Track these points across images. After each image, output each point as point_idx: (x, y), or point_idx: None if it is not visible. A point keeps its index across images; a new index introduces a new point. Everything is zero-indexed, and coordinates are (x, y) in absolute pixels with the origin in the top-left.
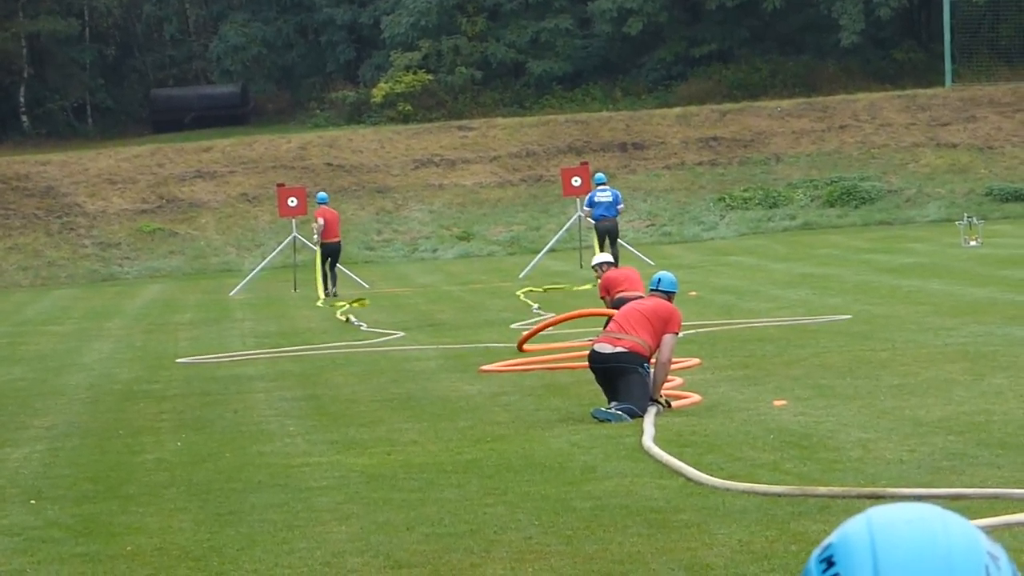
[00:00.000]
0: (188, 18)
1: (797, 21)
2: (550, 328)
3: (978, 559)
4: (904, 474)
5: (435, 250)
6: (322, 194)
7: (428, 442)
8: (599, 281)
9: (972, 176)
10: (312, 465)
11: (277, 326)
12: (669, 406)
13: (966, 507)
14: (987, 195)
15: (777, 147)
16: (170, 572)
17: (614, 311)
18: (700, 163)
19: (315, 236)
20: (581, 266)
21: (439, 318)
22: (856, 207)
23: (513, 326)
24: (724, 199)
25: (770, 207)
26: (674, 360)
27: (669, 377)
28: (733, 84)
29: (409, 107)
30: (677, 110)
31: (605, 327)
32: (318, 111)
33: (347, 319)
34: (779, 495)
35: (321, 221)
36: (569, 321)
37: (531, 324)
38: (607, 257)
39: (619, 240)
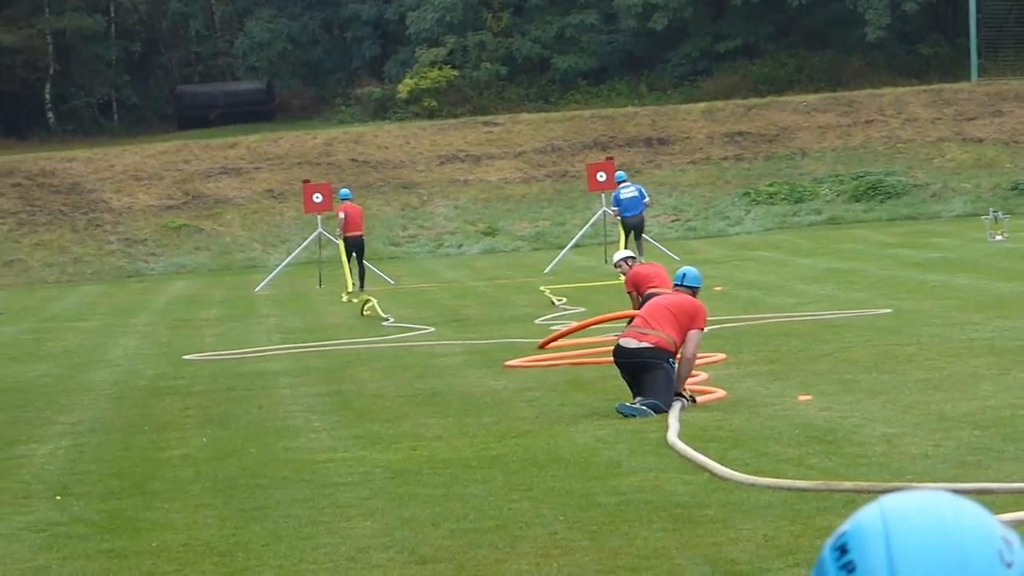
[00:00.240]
0: (213, 14)
1: (822, 16)
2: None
3: (992, 543)
4: (929, 469)
5: (460, 246)
6: (344, 190)
7: (453, 437)
8: (625, 276)
9: (998, 171)
10: (337, 461)
11: (302, 322)
12: (694, 401)
13: (992, 502)
14: (1013, 189)
15: (802, 142)
16: (195, 568)
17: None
18: (725, 158)
19: (337, 230)
20: (606, 261)
21: (464, 314)
22: (882, 202)
23: (538, 321)
24: (749, 194)
25: (795, 202)
26: (699, 355)
27: (694, 372)
28: (758, 79)
29: (434, 103)
30: (702, 105)
31: (630, 322)
32: (343, 107)
33: (373, 314)
34: (804, 490)
35: (342, 215)
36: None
37: (555, 319)
38: (629, 252)
39: (644, 235)
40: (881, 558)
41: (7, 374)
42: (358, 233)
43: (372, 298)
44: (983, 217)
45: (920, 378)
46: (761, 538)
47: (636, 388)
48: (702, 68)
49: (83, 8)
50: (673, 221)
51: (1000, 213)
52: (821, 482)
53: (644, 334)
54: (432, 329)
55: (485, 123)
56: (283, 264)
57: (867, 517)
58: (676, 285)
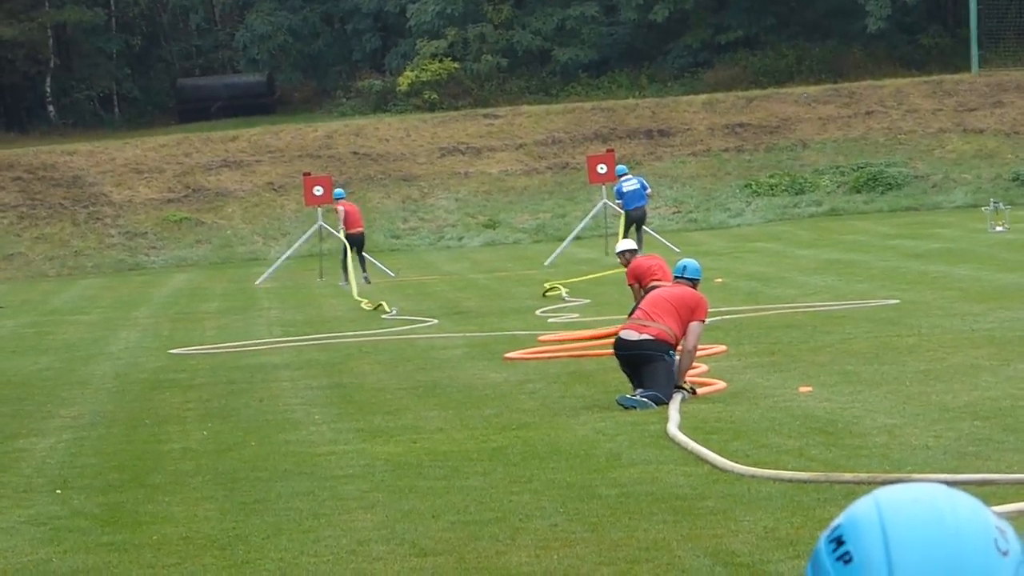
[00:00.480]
0: (214, 7)
1: (823, 7)
2: (575, 315)
3: (987, 532)
4: (930, 460)
5: (461, 238)
6: (339, 190)
7: (454, 430)
8: (627, 268)
9: (999, 161)
10: (338, 453)
11: (303, 314)
12: (694, 393)
13: (993, 492)
14: (1014, 180)
15: (803, 133)
16: (196, 561)
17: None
18: (726, 150)
19: (340, 227)
20: (607, 253)
21: (465, 306)
22: (882, 193)
23: (539, 312)
24: (750, 185)
25: (796, 193)
26: (700, 347)
27: (694, 364)
28: (759, 70)
29: (435, 95)
30: (703, 97)
31: (631, 314)
32: (344, 100)
33: (377, 307)
34: (805, 482)
35: (342, 210)
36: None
37: (557, 310)
38: (631, 244)
39: (644, 227)
40: (878, 548)
41: (8, 368)
42: (360, 229)
43: (383, 303)
44: (984, 208)
45: (921, 369)
46: (762, 530)
47: (636, 380)
48: (703, 60)
49: (83, 1)
50: (674, 213)
51: (1001, 204)
52: (821, 473)
53: (644, 326)
54: (435, 321)
55: (486, 115)
56: (284, 257)
57: (862, 509)
58: (676, 277)
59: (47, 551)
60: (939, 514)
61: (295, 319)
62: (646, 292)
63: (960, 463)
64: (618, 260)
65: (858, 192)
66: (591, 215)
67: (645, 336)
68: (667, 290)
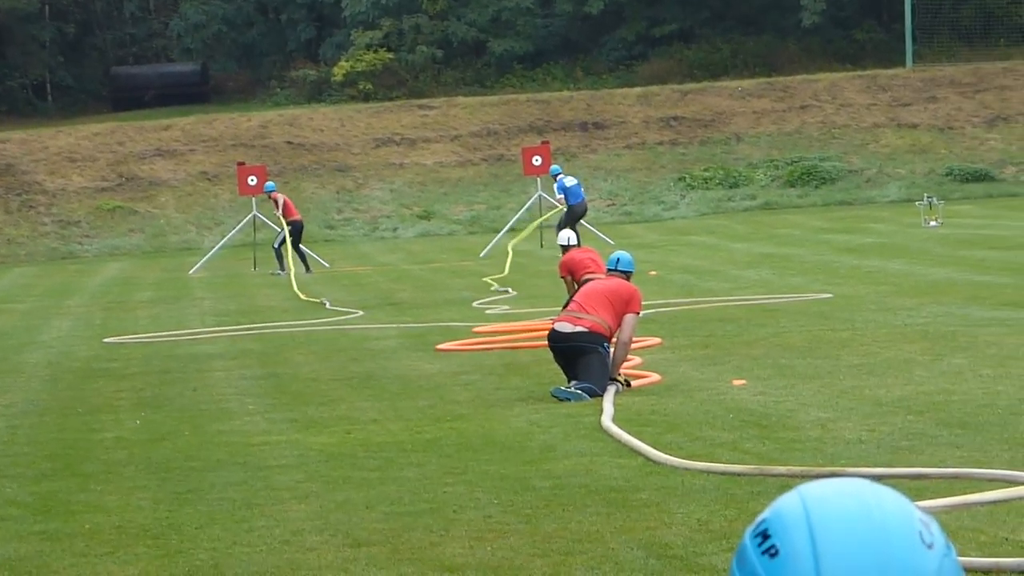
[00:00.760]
0: None
1: (758, 1)
2: (508, 307)
3: (912, 525)
4: (863, 454)
5: (396, 229)
6: (270, 183)
7: (388, 421)
8: (560, 261)
9: (932, 156)
10: (271, 444)
11: (236, 304)
12: (628, 385)
13: (926, 487)
14: (947, 175)
15: (738, 127)
16: (129, 550)
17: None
18: (661, 143)
19: (278, 215)
20: (542, 246)
21: (399, 297)
22: (817, 187)
23: (475, 304)
24: (684, 179)
25: (730, 187)
26: (634, 340)
27: (628, 356)
28: (694, 64)
29: (370, 86)
30: (638, 90)
31: (565, 307)
32: (278, 89)
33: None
34: (738, 474)
35: (282, 199)
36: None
37: (492, 301)
38: (572, 236)
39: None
40: (804, 541)
41: None
42: (299, 217)
43: (326, 300)
44: (917, 203)
45: (855, 363)
46: (695, 522)
47: (571, 372)
48: (638, 53)
49: None
50: (608, 206)
51: (935, 199)
52: (755, 467)
53: (579, 318)
54: (361, 313)
55: (420, 106)
56: (218, 247)
57: (787, 503)
58: (610, 270)
59: None
60: (864, 507)
61: (229, 309)
62: (579, 285)
63: (893, 457)
64: (562, 251)
65: (792, 186)
66: (525, 207)
67: (579, 328)
68: (601, 282)
